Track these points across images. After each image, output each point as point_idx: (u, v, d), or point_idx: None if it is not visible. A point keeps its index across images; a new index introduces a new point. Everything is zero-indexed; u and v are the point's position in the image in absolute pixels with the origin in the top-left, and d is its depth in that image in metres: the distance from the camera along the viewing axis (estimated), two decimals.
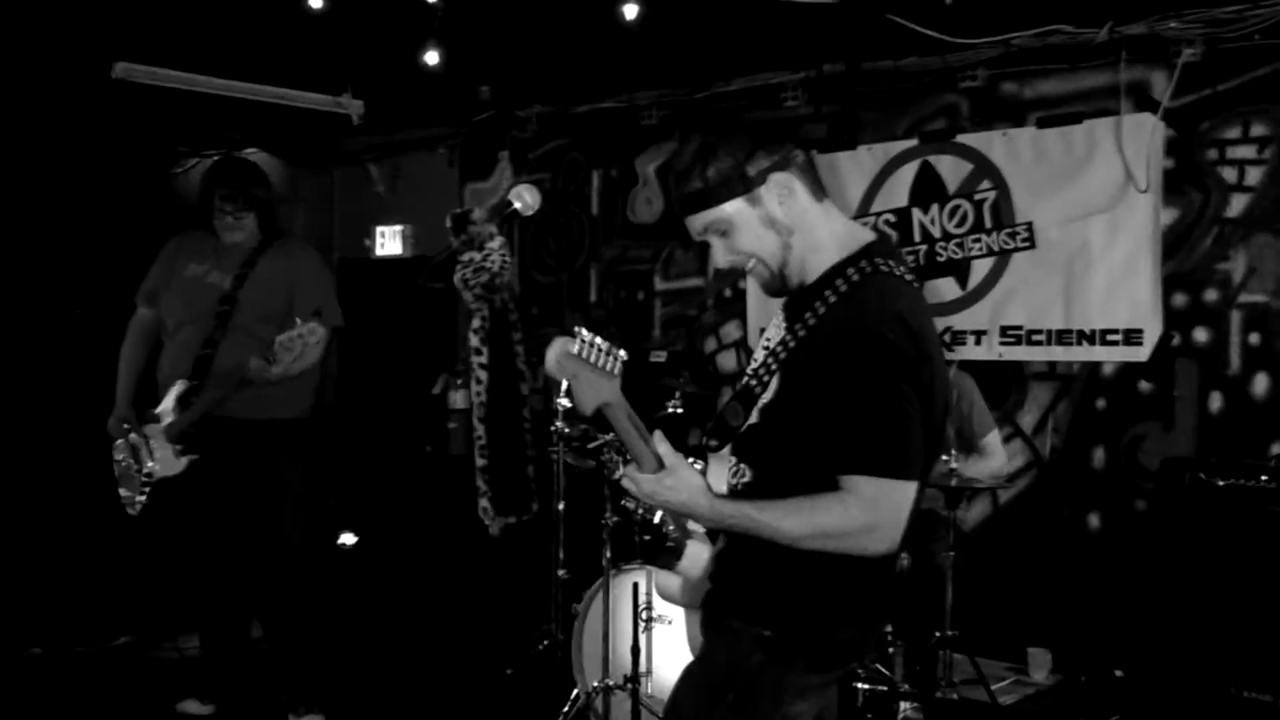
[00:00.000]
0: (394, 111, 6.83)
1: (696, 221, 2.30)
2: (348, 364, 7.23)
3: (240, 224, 4.40)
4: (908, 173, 5.59)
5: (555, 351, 2.11)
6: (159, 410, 4.33)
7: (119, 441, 4.44)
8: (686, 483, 2.16)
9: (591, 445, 4.28)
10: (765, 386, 2.25)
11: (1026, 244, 5.26)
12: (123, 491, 4.43)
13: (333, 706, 4.52)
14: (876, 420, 2.08)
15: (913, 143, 5.58)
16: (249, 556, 4.42)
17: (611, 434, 4.19)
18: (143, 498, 4.30)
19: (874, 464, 2.08)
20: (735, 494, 2.30)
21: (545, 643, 4.63)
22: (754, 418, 2.26)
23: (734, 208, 2.24)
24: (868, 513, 2.08)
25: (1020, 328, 5.27)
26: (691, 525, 2.31)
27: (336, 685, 4.68)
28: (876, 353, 2.10)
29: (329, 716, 4.47)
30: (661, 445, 2.16)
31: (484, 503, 4.43)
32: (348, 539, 6.28)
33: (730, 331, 6.20)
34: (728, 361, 6.21)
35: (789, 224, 2.25)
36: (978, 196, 5.39)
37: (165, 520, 4.42)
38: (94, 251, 7.01)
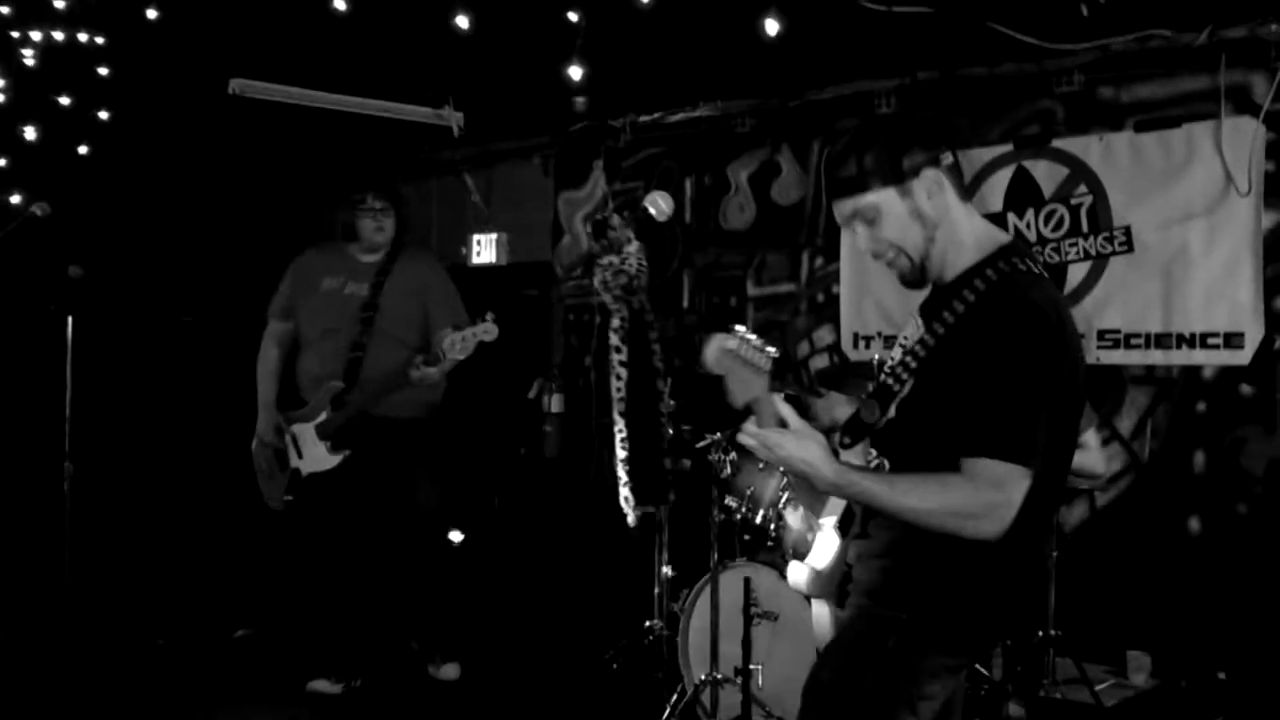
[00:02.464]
0: (490, 122, 7.01)
1: (846, 206, 2.39)
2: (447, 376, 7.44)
3: (383, 225, 4.73)
4: (1002, 178, 5.63)
5: (714, 348, 2.23)
6: (306, 410, 4.65)
7: (261, 442, 4.77)
8: (809, 442, 2.24)
9: (700, 445, 4.40)
10: (903, 384, 2.34)
11: (1124, 248, 5.28)
12: (265, 489, 4.77)
13: (466, 661, 4.93)
14: (1005, 407, 2.16)
15: (1007, 148, 5.63)
16: (391, 538, 4.79)
17: (725, 432, 4.36)
18: (289, 496, 4.67)
19: (997, 448, 2.15)
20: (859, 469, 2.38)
21: (650, 637, 4.75)
22: (891, 413, 2.36)
23: (884, 196, 2.34)
24: (983, 495, 2.15)
25: (1118, 331, 5.29)
26: (821, 520, 2.41)
27: (465, 651, 5.04)
28: (1014, 344, 2.18)
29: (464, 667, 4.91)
30: (784, 408, 2.27)
31: (625, 492, 4.62)
32: (456, 536, 6.49)
33: (823, 336, 6.27)
34: (820, 365, 6.28)
35: (935, 219, 2.34)
36: (1074, 201, 5.42)
37: (316, 512, 4.71)
38: (204, 262, 7.29)
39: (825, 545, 2.41)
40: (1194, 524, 5.13)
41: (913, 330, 2.44)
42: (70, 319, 4.69)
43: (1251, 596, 4.81)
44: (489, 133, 7.22)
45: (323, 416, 4.64)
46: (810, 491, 2.39)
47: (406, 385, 4.46)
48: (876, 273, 5.93)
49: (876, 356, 4.70)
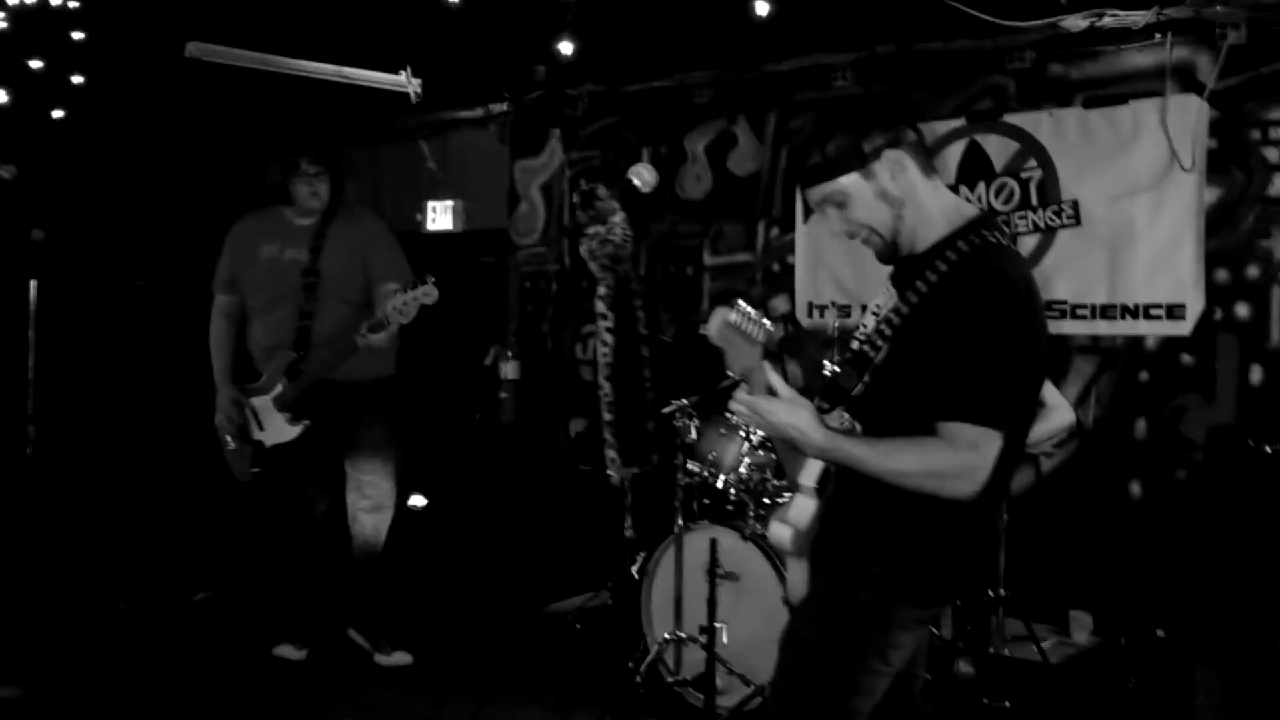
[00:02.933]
0: (447, 89, 7.01)
1: (815, 193, 2.51)
2: (400, 335, 7.46)
3: (318, 190, 4.68)
4: (955, 151, 5.76)
5: (716, 320, 2.37)
6: (262, 383, 4.64)
7: (223, 417, 4.75)
8: (799, 409, 2.38)
9: (666, 410, 4.50)
10: (878, 351, 2.46)
11: (1072, 221, 5.44)
12: (231, 463, 4.77)
13: (417, 646, 4.85)
14: (978, 373, 2.29)
15: (960, 122, 5.76)
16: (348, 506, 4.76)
17: (690, 399, 4.45)
18: (256, 468, 4.66)
19: (972, 413, 2.28)
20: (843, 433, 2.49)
21: (606, 598, 4.85)
22: (867, 379, 2.47)
23: (849, 181, 2.46)
24: (961, 457, 2.28)
25: (1065, 302, 5.45)
26: (801, 480, 2.51)
27: (418, 628, 4.98)
28: (985, 312, 2.30)
29: (415, 655, 4.83)
30: (774, 377, 2.40)
31: (611, 454, 4.71)
32: (418, 500, 6.54)
33: (779, 305, 6.37)
34: (776, 335, 6.40)
35: (900, 197, 2.46)
36: (1024, 175, 5.57)
37: (282, 482, 4.74)
38: (162, 226, 7.24)
39: (804, 505, 2.52)
40: (1135, 489, 5.33)
41: (885, 299, 2.55)
42: (34, 283, 4.65)
43: (1189, 559, 5.01)
44: (445, 100, 7.22)
45: (278, 388, 4.63)
46: (791, 454, 2.50)
47: (355, 352, 4.46)
48: (830, 244, 6.05)
49: (834, 324, 4.82)
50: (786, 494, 4.38)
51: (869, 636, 2.44)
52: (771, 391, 2.41)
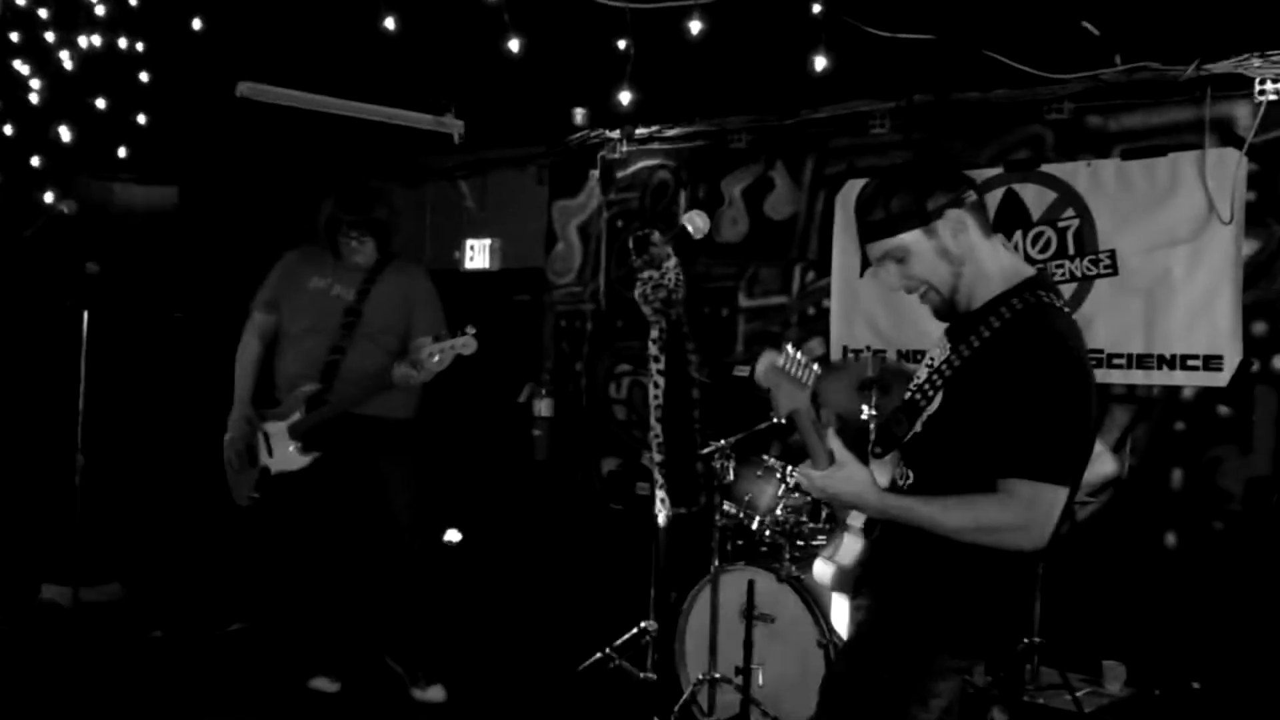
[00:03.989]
0: (487, 130, 7.12)
1: (876, 248, 2.57)
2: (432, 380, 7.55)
3: (363, 247, 4.78)
4: (992, 200, 5.79)
5: (764, 363, 2.47)
6: (280, 409, 4.68)
7: (233, 436, 4.77)
8: (856, 476, 2.44)
9: (705, 451, 4.55)
10: (930, 400, 2.51)
11: (1109, 271, 5.46)
12: (233, 484, 4.77)
13: (451, 681, 4.87)
14: (1038, 429, 2.33)
15: (998, 171, 5.80)
16: (367, 542, 4.77)
17: (728, 440, 4.50)
18: (256, 493, 4.67)
19: (1034, 469, 2.32)
20: (899, 493, 2.55)
21: (647, 638, 4.86)
22: (917, 428, 2.52)
23: (912, 238, 2.51)
24: (1024, 513, 2.32)
25: (1101, 351, 5.46)
26: (850, 520, 2.56)
27: (452, 663, 4.99)
28: (1042, 370, 2.35)
29: (449, 690, 4.83)
30: (835, 443, 2.43)
31: (660, 494, 4.74)
32: (453, 535, 6.59)
33: (814, 348, 6.41)
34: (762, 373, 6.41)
35: (960, 255, 2.52)
36: (1061, 224, 5.60)
37: (282, 512, 4.76)
38: (207, 259, 7.37)
39: (850, 545, 2.57)
40: (1170, 539, 5.31)
41: (938, 352, 2.61)
42: (86, 314, 4.75)
43: (1224, 611, 4.99)
44: (485, 140, 7.33)
45: (295, 417, 4.66)
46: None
47: (388, 388, 4.51)
48: (866, 289, 6.10)
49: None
50: (821, 537, 4.41)
51: (911, 682, 2.47)
52: (831, 456, 2.46)
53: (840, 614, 2.66)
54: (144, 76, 4.87)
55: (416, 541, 4.86)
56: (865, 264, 2.49)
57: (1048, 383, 2.35)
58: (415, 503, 4.86)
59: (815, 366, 2.43)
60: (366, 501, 4.77)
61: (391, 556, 4.81)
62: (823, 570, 2.63)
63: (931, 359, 2.61)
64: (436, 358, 4.34)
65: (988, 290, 2.52)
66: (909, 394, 2.59)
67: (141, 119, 5.08)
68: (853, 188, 6.19)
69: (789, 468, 4.68)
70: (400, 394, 4.68)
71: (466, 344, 4.35)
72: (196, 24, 4.53)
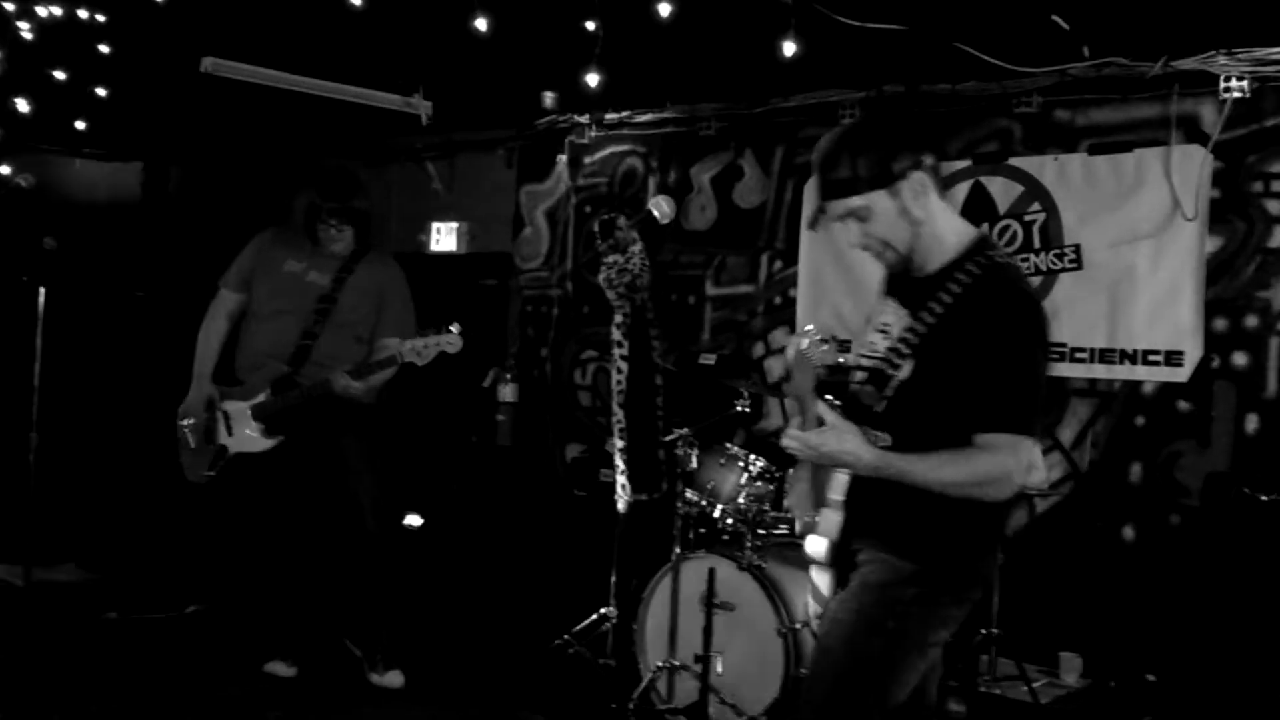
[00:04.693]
0: (456, 112, 7.07)
1: (838, 206, 2.60)
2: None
3: (342, 235, 4.73)
4: (960, 192, 5.81)
5: (793, 347, 2.58)
6: (243, 389, 4.61)
7: (190, 413, 4.70)
8: (849, 434, 2.48)
9: (668, 439, 4.54)
10: (898, 368, 2.56)
11: (1074, 265, 5.49)
12: (187, 462, 4.70)
13: (410, 666, 4.84)
14: (1014, 386, 2.45)
15: (966, 163, 5.81)
16: (327, 524, 4.73)
17: (692, 427, 4.50)
18: (212, 471, 4.58)
19: (1011, 423, 2.43)
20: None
21: (606, 625, 4.86)
22: (889, 393, 2.57)
23: (876, 198, 2.55)
24: (1009, 464, 2.43)
25: (1064, 345, 5.49)
26: (832, 495, 2.58)
27: (411, 648, 4.97)
28: (1017, 328, 2.46)
29: (407, 675, 4.81)
30: (822, 408, 2.50)
31: (621, 479, 4.72)
32: (413, 520, 6.55)
33: (779, 338, 6.42)
34: (776, 366, 6.43)
35: (920, 217, 2.57)
36: (1027, 218, 5.62)
37: (241, 493, 4.71)
38: (165, 236, 7.28)
39: (831, 518, 2.60)
40: (1128, 532, 5.35)
41: (893, 318, 2.64)
42: (42, 290, 4.67)
43: (1180, 604, 5.04)
44: (454, 122, 7.28)
45: (260, 398, 4.60)
46: (820, 476, 2.64)
47: (329, 393, 4.46)
48: (833, 279, 6.10)
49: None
50: (784, 526, 4.42)
51: (914, 631, 2.55)
52: (821, 421, 2.51)
53: (823, 584, 2.67)
54: (105, 49, 4.77)
55: (377, 524, 4.80)
56: (814, 219, 2.53)
57: (1025, 341, 2.46)
58: (376, 485, 4.81)
59: (835, 354, 2.54)
60: (326, 483, 4.71)
61: (352, 539, 4.76)
62: (817, 545, 2.64)
63: (886, 325, 2.64)
64: (416, 353, 4.31)
65: (943, 253, 2.59)
66: (869, 362, 2.63)
67: (102, 92, 4.98)
68: None
69: (752, 456, 4.68)
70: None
71: (451, 342, 4.33)
72: None
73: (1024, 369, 2.46)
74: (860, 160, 2.53)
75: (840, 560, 2.65)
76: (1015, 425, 2.44)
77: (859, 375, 2.66)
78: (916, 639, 2.56)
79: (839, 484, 2.59)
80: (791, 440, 2.53)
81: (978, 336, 2.45)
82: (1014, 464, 2.43)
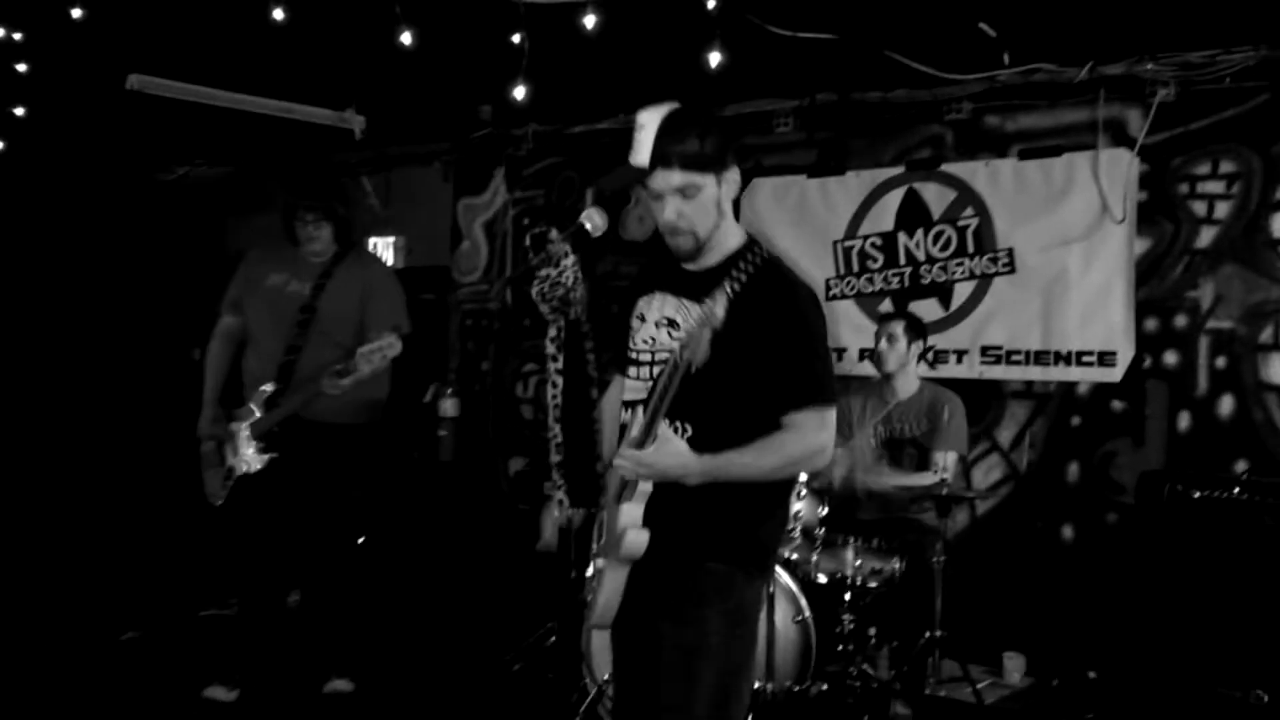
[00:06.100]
0: (390, 126, 7.02)
1: (676, 177, 2.59)
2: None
3: (319, 232, 4.72)
4: (894, 198, 5.87)
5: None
6: (243, 410, 4.69)
7: (204, 439, 4.75)
8: (680, 448, 2.50)
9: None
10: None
11: (1007, 269, 5.55)
12: (208, 486, 4.76)
13: (361, 676, 4.85)
14: (812, 363, 2.57)
15: (899, 170, 5.87)
16: (308, 542, 4.77)
17: None
18: (225, 491, 4.67)
19: (817, 397, 2.57)
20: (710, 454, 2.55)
21: (552, 639, 4.82)
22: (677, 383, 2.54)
23: (709, 180, 2.60)
24: (821, 436, 2.57)
25: (1000, 348, 5.56)
26: (626, 494, 2.54)
27: (356, 663, 4.94)
28: (806, 314, 2.59)
29: (358, 684, 4.82)
30: (658, 425, 2.48)
31: (559, 495, 4.70)
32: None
33: None
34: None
35: (725, 210, 2.66)
36: (961, 223, 5.68)
37: (236, 513, 4.71)
38: (98, 258, 7.15)
39: (632, 511, 2.50)
40: (1067, 532, 5.43)
41: (675, 310, 2.67)
42: None
43: (1120, 601, 5.10)
44: (388, 136, 7.23)
45: (255, 417, 4.64)
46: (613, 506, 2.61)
47: (319, 392, 4.44)
48: None
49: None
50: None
51: (753, 622, 2.68)
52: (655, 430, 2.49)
53: (616, 584, 2.57)
54: (21, 67, 4.67)
55: (349, 539, 4.89)
56: (619, 183, 2.59)
57: (812, 322, 2.60)
58: (350, 512, 4.90)
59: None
60: (313, 502, 4.74)
61: (325, 555, 4.84)
62: (641, 538, 2.51)
63: (669, 317, 2.67)
64: (366, 359, 4.28)
65: (725, 247, 2.66)
66: (654, 354, 2.67)
67: (20, 111, 4.88)
68: (759, 186, 6.22)
69: None
70: (363, 399, 4.64)
71: (391, 344, 4.30)
72: (77, 13, 4.34)
73: (817, 346, 2.60)
74: (708, 140, 2.57)
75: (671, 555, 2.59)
76: (819, 399, 2.56)
77: (657, 369, 2.64)
78: (754, 624, 2.70)
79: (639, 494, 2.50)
80: (624, 462, 2.48)
81: (770, 322, 2.54)
82: (826, 435, 2.57)
